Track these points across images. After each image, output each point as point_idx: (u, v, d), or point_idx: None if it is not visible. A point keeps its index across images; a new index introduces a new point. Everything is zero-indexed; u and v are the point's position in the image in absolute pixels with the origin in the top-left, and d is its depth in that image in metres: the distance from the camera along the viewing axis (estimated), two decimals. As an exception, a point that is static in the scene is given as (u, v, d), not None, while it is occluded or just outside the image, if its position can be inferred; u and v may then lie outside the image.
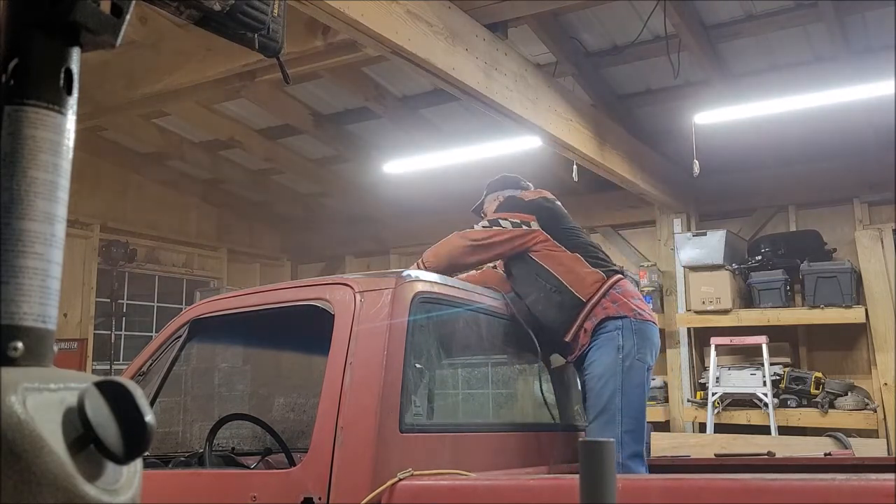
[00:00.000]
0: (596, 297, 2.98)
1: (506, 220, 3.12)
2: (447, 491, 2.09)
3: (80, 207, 7.60)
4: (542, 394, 3.03)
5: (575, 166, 5.87)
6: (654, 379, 7.22)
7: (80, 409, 0.61)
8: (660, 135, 6.90)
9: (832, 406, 6.25)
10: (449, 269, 3.04)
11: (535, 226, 3.09)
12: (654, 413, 6.78)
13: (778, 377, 6.47)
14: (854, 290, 6.37)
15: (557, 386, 3.21)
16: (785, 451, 4.60)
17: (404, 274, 2.44)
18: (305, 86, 6.52)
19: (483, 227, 3.14)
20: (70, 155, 0.68)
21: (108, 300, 7.68)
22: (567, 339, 2.99)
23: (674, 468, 3.36)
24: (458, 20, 4.32)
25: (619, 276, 3.10)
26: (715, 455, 4.27)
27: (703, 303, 6.71)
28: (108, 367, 7.44)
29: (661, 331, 7.54)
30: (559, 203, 3.30)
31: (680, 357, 7.22)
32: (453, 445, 2.42)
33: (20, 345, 0.63)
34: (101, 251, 7.81)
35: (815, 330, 6.81)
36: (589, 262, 3.06)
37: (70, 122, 0.68)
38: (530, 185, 3.52)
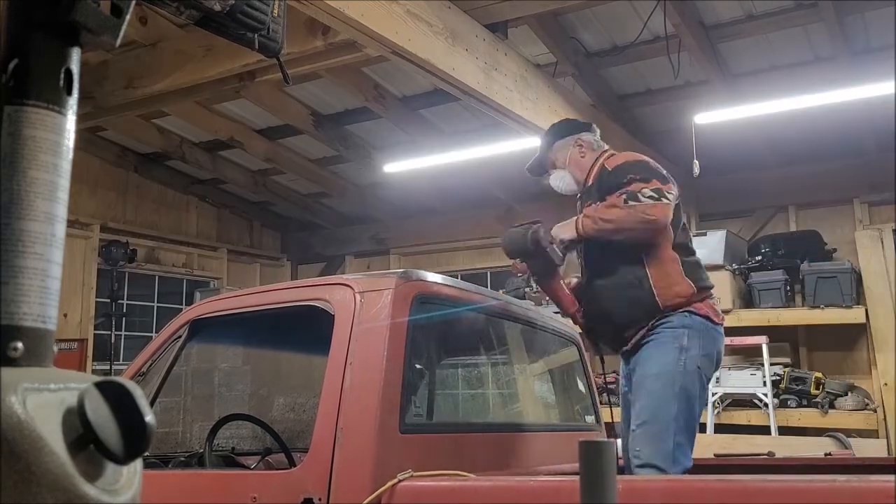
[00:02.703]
0: (671, 310, 2.67)
1: (671, 192, 2.65)
2: (447, 492, 2.08)
3: (80, 207, 7.61)
4: (543, 394, 3.02)
5: (575, 166, 5.85)
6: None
7: (80, 409, 0.60)
8: (660, 135, 6.89)
9: (832, 406, 6.25)
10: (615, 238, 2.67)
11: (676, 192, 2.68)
12: (654, 413, 6.76)
13: (778, 377, 6.47)
14: (854, 291, 6.37)
15: (558, 386, 3.20)
16: (785, 452, 4.60)
17: (404, 274, 2.44)
18: (305, 86, 6.52)
19: (650, 198, 2.60)
20: (70, 155, 0.68)
21: (108, 300, 7.67)
22: (626, 334, 2.75)
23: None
24: (458, 20, 4.32)
25: (709, 293, 2.76)
26: (715, 455, 4.27)
27: (704, 303, 6.69)
28: (108, 367, 7.43)
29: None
30: None
31: (680, 357, 7.22)
32: (454, 446, 2.42)
33: (20, 345, 0.63)
34: (101, 251, 7.81)
35: (815, 330, 6.80)
36: (685, 270, 2.70)
37: (70, 122, 0.68)
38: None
